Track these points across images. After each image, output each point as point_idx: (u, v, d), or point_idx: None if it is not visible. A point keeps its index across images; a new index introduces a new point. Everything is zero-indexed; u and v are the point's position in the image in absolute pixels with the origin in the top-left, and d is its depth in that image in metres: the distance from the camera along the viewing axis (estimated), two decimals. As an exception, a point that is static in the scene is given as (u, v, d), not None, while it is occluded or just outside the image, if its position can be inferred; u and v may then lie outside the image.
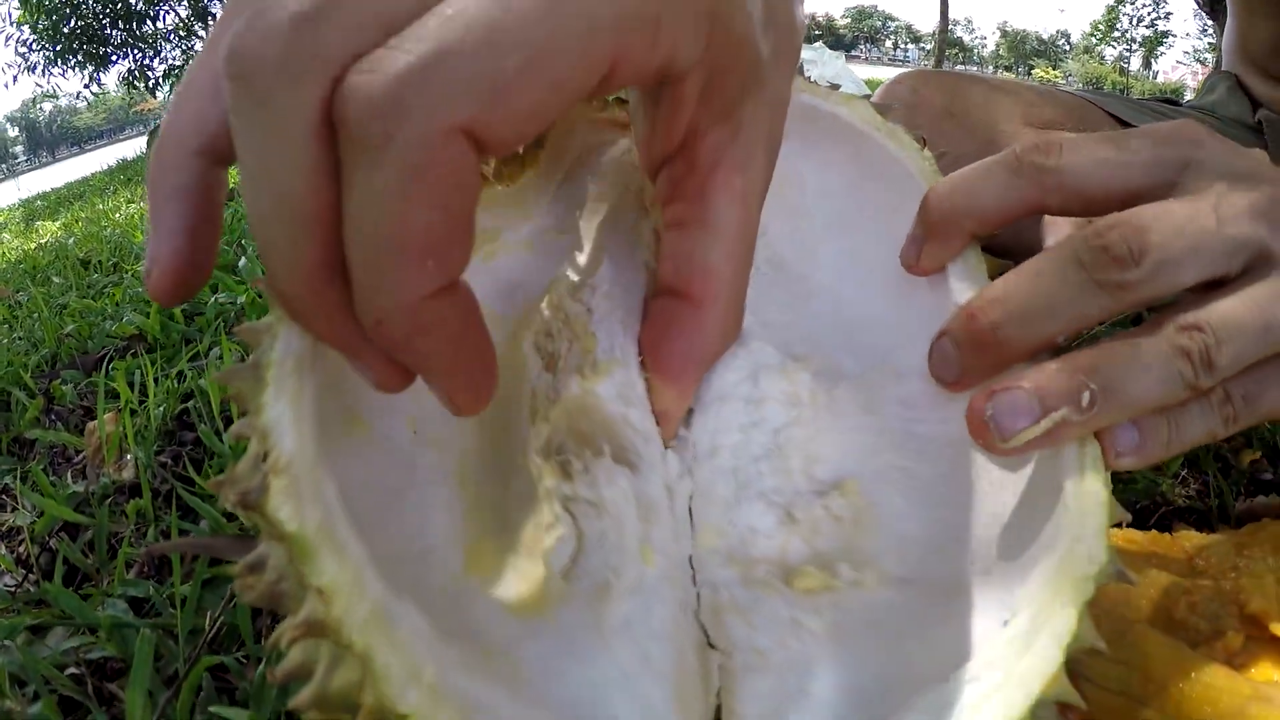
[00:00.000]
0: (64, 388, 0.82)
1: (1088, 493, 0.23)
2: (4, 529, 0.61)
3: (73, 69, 11.17)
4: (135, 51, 11.54)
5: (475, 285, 0.27)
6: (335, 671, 0.17)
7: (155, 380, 0.73)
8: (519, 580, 0.23)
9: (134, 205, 2.75)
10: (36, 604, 0.48)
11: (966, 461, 0.28)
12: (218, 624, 0.41)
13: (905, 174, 0.32)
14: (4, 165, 58.65)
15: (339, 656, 0.17)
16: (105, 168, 6.92)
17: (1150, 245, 0.25)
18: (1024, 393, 0.24)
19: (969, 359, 0.27)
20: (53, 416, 0.78)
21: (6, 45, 11.11)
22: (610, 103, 0.33)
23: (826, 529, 0.26)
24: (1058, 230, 0.39)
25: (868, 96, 0.35)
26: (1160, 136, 0.29)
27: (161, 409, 0.69)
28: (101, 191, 4.29)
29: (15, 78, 11.49)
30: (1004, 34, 62.72)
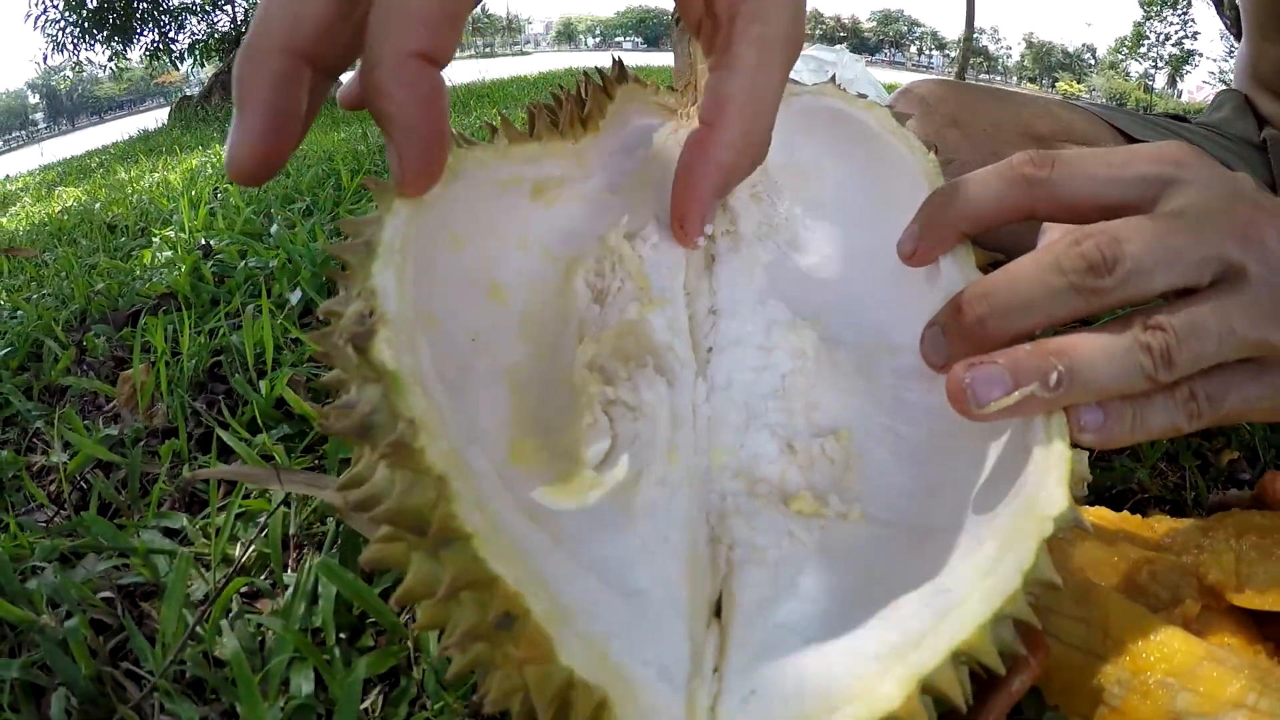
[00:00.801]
0: (96, 340, 0.85)
1: (1053, 454, 0.26)
2: (36, 469, 0.64)
3: (99, 43, 11.26)
4: (159, 25, 11.62)
5: (537, 225, 0.32)
6: (411, 492, 0.21)
7: (189, 335, 0.76)
8: (557, 472, 0.26)
9: (157, 174, 2.79)
10: (69, 535, 0.51)
11: (949, 428, 0.31)
12: (249, 551, 0.44)
13: (913, 175, 0.36)
14: (24, 131, 59.00)
15: (415, 480, 0.20)
16: (126, 137, 6.95)
17: (1123, 255, 0.27)
18: (999, 367, 0.27)
19: (955, 345, 0.30)
20: (84, 367, 0.81)
21: (36, 28, 11.19)
22: (660, 88, 0.37)
23: (821, 466, 0.30)
24: (1053, 235, 0.42)
25: (889, 107, 0.39)
26: (1147, 155, 0.31)
27: (194, 361, 0.72)
28: (123, 159, 4.33)
29: (45, 57, 11.59)
30: (1029, 45, 62.29)
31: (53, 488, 0.60)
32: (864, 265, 0.37)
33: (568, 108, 0.33)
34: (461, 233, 0.29)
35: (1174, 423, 0.29)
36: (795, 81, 0.40)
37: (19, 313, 1.02)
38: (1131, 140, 0.78)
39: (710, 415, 0.30)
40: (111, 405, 0.71)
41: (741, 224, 0.36)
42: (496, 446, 0.27)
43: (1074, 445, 0.27)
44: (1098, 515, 0.43)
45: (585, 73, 0.36)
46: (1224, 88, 0.90)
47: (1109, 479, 0.51)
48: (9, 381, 0.77)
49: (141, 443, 0.62)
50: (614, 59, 0.36)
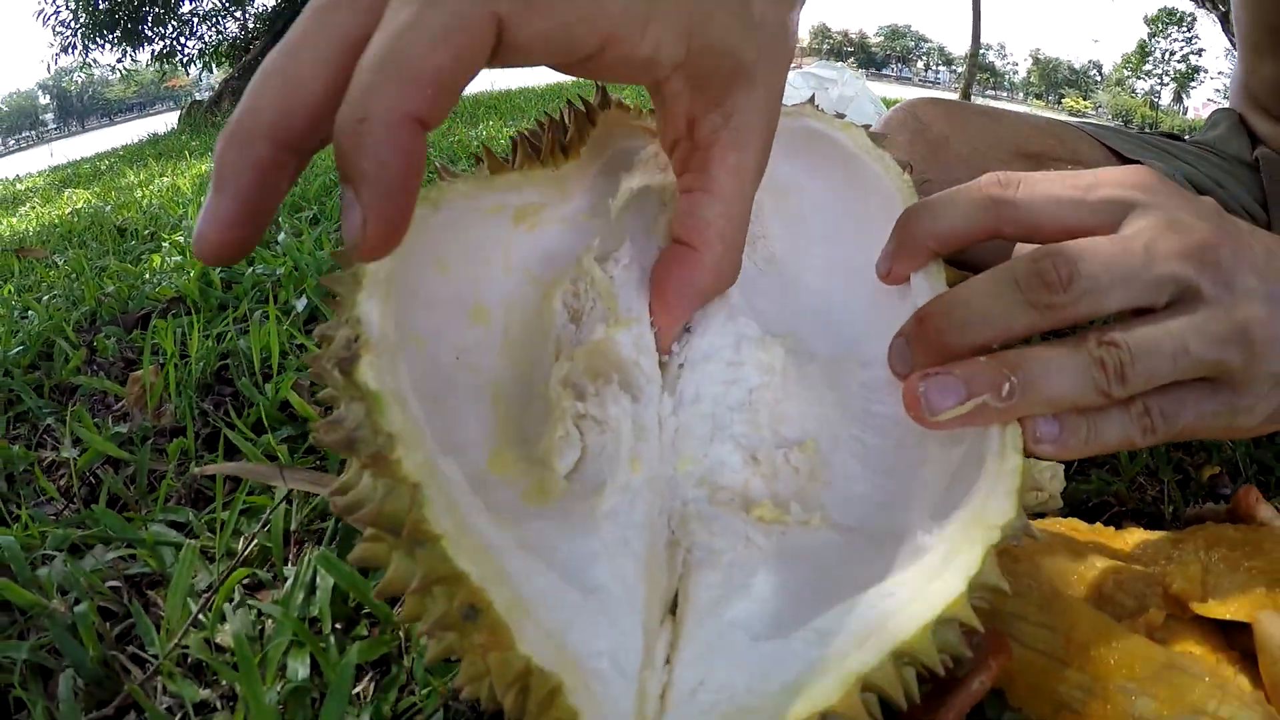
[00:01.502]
0: (107, 341, 0.87)
1: (1006, 464, 0.28)
2: (47, 464, 0.65)
3: (108, 45, 11.37)
4: (165, 34, 11.72)
5: (519, 249, 0.34)
6: (389, 498, 0.23)
7: (197, 338, 0.78)
8: (530, 481, 0.28)
9: (166, 179, 2.82)
10: (79, 527, 0.52)
11: (912, 439, 0.32)
12: (252, 544, 0.46)
13: (888, 195, 0.37)
14: (34, 132, 59.43)
15: (393, 488, 0.23)
16: (136, 140, 7.00)
17: (1079, 274, 0.29)
18: (953, 377, 0.29)
19: (918, 356, 0.31)
20: (94, 367, 0.83)
21: (45, 25, 11.29)
22: (643, 112, 0.38)
23: (784, 476, 0.31)
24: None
25: (867, 127, 0.40)
26: (1110, 180, 0.33)
27: (202, 364, 0.74)
28: (133, 163, 4.36)
29: (56, 57, 11.70)
30: (1036, 61, 62.40)
31: (63, 482, 0.62)
32: (838, 282, 0.39)
33: (549, 136, 0.35)
34: (447, 258, 0.31)
35: (1128, 436, 0.30)
36: None
37: (30, 313, 1.04)
38: (1124, 159, 0.79)
39: (678, 427, 0.32)
40: (121, 404, 0.73)
41: None
42: (476, 456, 0.29)
43: (1030, 456, 0.29)
44: (1070, 526, 0.44)
45: (569, 99, 0.38)
46: (1221, 105, 0.91)
47: (1086, 491, 0.52)
48: (20, 379, 0.78)
49: (150, 441, 0.64)
50: (598, 86, 0.38)
